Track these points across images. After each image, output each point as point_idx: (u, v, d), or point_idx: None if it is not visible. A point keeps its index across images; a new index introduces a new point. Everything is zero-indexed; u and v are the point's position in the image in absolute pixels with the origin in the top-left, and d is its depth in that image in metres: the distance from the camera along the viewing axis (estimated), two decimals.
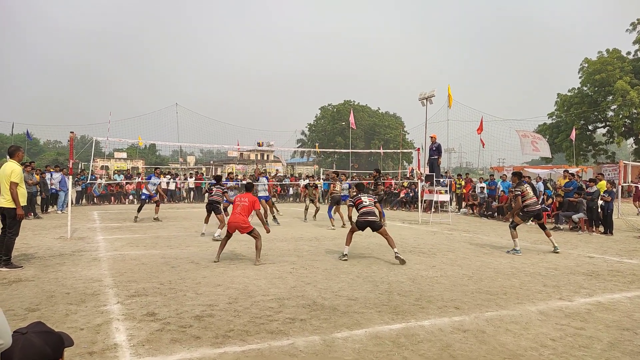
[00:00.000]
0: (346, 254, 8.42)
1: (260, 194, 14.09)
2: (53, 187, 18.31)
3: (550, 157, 34.30)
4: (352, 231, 8.69)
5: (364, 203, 8.60)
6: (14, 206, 7.13)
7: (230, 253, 8.85)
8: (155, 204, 15.39)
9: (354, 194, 9.54)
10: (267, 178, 15.54)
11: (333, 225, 13.70)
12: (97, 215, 17.00)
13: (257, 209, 8.28)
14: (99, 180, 25.07)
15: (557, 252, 9.46)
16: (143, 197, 15.55)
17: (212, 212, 11.68)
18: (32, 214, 15.62)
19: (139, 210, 15.26)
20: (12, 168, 7.17)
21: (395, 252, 8.13)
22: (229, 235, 8.26)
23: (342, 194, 15.12)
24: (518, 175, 10.15)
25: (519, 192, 9.72)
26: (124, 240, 10.52)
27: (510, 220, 10.05)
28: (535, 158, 30.78)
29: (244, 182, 12.54)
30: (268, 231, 8.63)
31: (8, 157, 7.45)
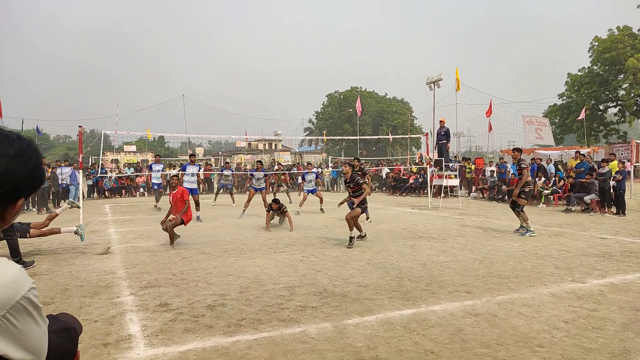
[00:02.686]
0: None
1: (186, 185, 12.48)
2: (63, 181, 18.49)
3: (554, 144, 33.93)
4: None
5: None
6: None
7: (241, 242, 8.90)
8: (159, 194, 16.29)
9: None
10: (198, 166, 14.28)
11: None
12: (109, 209, 17.16)
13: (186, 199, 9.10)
14: (109, 174, 25.28)
15: (522, 233, 9.47)
16: (155, 187, 16.04)
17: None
18: (45, 208, 15.81)
19: (157, 199, 16.20)
20: None
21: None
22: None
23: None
24: (520, 151, 10.30)
25: (525, 166, 9.83)
26: (136, 232, 10.62)
27: (516, 204, 9.90)
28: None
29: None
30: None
31: None
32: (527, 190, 9.79)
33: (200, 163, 20.93)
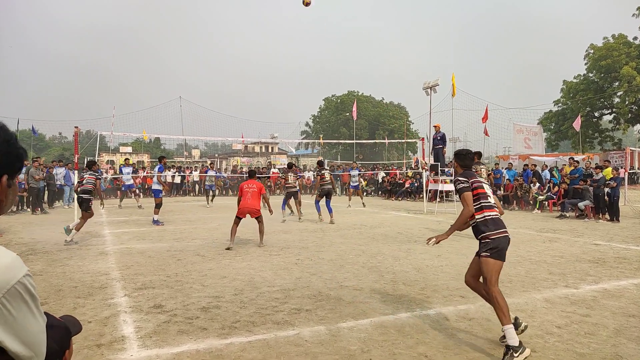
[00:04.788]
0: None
1: (154, 187, 12.98)
2: (58, 182, 18.41)
3: (543, 154, 33.89)
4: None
5: (325, 177, 12.91)
6: None
7: (236, 245, 8.89)
8: (133, 194, 17.76)
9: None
10: (132, 167, 15.86)
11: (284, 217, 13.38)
12: (104, 210, 17.07)
13: (263, 193, 9.23)
14: (105, 175, 25.17)
15: None
16: (123, 188, 17.89)
17: (81, 208, 9.50)
18: (40, 209, 15.74)
19: (121, 199, 18.34)
20: None
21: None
22: (238, 220, 8.89)
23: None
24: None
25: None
26: (131, 233, 10.59)
27: None
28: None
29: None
30: (272, 212, 10.92)
31: None
32: None
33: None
